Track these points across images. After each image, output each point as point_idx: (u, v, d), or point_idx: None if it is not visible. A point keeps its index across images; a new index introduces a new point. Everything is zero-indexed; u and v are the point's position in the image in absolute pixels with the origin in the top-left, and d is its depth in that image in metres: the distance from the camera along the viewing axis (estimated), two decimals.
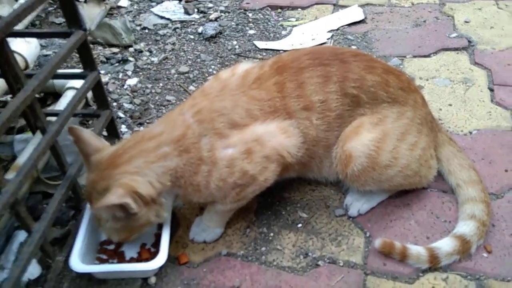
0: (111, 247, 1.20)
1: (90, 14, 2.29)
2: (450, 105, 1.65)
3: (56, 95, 1.67)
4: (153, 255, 1.16)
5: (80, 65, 1.26)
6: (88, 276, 1.12)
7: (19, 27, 1.73)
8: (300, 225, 1.26)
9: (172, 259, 1.17)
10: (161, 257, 1.08)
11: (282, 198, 1.34)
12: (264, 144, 1.07)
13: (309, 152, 1.17)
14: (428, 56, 1.95)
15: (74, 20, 1.13)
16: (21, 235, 1.20)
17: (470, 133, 1.52)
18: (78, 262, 1.06)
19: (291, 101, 1.12)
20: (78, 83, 1.47)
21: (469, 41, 2.00)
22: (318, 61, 1.15)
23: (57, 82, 1.62)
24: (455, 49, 1.97)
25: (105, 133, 1.51)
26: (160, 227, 1.20)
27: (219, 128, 1.07)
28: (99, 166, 1.03)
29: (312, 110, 1.13)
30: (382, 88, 1.16)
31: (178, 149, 1.04)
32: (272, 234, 1.24)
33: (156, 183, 1.02)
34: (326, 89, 1.13)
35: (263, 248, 1.20)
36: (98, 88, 1.28)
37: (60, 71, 1.34)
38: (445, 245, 1.12)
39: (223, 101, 1.10)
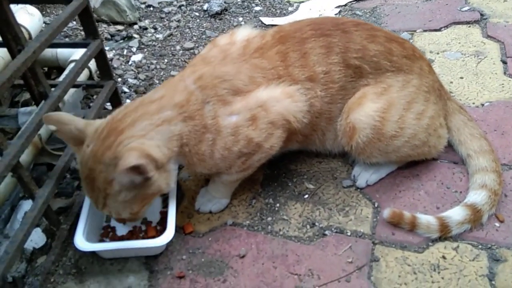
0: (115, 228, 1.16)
1: None
2: (462, 78, 1.61)
3: (60, 69, 1.66)
4: (159, 233, 1.12)
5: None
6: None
7: None
8: (306, 196, 1.24)
9: (178, 228, 1.15)
10: (169, 233, 1.05)
11: (288, 170, 1.32)
12: (269, 109, 1.04)
13: (312, 124, 1.14)
14: (439, 30, 1.90)
15: None
16: (26, 205, 1.19)
17: (482, 105, 1.48)
18: (83, 241, 1.03)
19: (295, 70, 1.09)
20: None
21: (482, 14, 1.95)
22: (320, 31, 1.12)
23: (61, 55, 1.60)
24: (467, 23, 1.91)
25: (109, 106, 1.50)
26: (165, 205, 1.19)
27: (222, 94, 1.03)
28: (98, 136, 0.95)
29: (316, 81, 1.10)
30: (385, 57, 1.13)
31: (182, 114, 1.00)
32: (278, 205, 1.22)
33: (163, 147, 0.97)
34: (328, 60, 1.11)
35: (269, 218, 1.18)
36: (101, 57, 1.26)
37: (63, 41, 1.32)
38: (455, 214, 1.09)
39: (225, 67, 1.07)
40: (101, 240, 1.14)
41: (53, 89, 1.10)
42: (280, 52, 1.10)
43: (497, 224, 1.11)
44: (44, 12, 2.20)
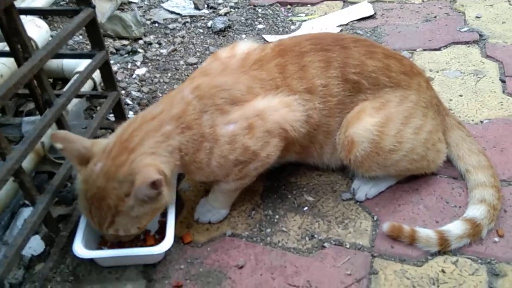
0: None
1: (101, 8, 2.31)
2: (461, 95, 1.63)
3: (65, 81, 1.69)
4: (158, 242, 1.10)
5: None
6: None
7: (36, 4, 1.74)
8: (306, 208, 1.24)
9: (176, 238, 1.15)
10: (167, 241, 1.05)
11: (288, 182, 1.33)
12: (266, 118, 1.05)
13: (310, 136, 1.16)
14: (438, 49, 1.93)
15: None
16: (26, 212, 1.20)
17: (481, 122, 1.49)
18: (81, 248, 1.03)
19: (293, 81, 1.11)
20: None
21: (481, 35, 1.98)
22: (319, 46, 1.15)
23: (66, 67, 1.63)
24: (466, 43, 1.95)
25: (111, 117, 1.52)
26: (163, 214, 1.19)
27: (220, 104, 1.05)
28: (108, 155, 0.97)
29: (314, 94, 1.12)
30: (383, 73, 1.15)
31: (180, 126, 1.01)
32: (277, 217, 1.22)
33: (169, 162, 1.00)
34: (327, 74, 1.12)
35: (268, 230, 1.18)
36: (106, 68, 1.28)
37: (69, 52, 1.34)
38: (455, 228, 1.09)
39: (224, 78, 1.08)
40: (99, 248, 1.13)
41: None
42: (279, 65, 1.12)
43: (496, 239, 1.11)
44: (51, 26, 2.25)
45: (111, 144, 0.99)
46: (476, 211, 1.12)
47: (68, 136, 0.99)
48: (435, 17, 2.21)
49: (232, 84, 1.07)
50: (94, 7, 1.16)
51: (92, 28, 1.21)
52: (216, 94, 1.05)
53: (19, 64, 1.02)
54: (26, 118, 1.45)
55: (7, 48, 1.06)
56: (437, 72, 1.78)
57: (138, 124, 1.02)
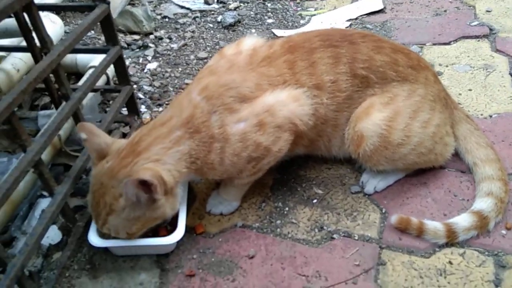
0: None
1: (112, 3, 2.32)
2: (470, 90, 1.64)
3: (78, 75, 1.72)
4: (170, 232, 1.13)
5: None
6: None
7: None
8: (315, 200, 1.26)
9: (189, 229, 1.18)
10: (179, 231, 1.08)
11: (298, 175, 1.35)
12: (276, 114, 1.06)
13: (318, 129, 1.17)
14: (448, 43, 1.93)
15: None
16: (44, 203, 1.24)
17: (490, 116, 1.50)
18: (96, 237, 1.07)
19: (302, 77, 1.12)
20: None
21: (491, 29, 1.98)
22: (328, 42, 1.16)
23: (80, 61, 1.66)
24: (476, 37, 1.94)
25: (125, 111, 1.55)
26: None
27: (228, 103, 1.05)
28: (118, 155, 1.00)
29: (322, 90, 1.13)
30: (391, 67, 1.17)
31: (188, 131, 1.02)
32: (287, 209, 1.24)
33: (174, 171, 1.01)
34: (336, 70, 1.13)
35: (278, 221, 1.21)
36: (120, 63, 1.31)
37: (84, 47, 1.37)
38: (462, 220, 1.11)
39: (231, 75, 1.09)
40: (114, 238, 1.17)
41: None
42: (288, 61, 1.13)
43: (504, 232, 1.13)
44: (64, 22, 2.28)
45: (123, 146, 1.03)
46: (483, 203, 1.14)
47: (93, 129, 1.04)
48: (445, 11, 2.20)
49: (240, 81, 1.08)
50: (108, 3, 1.19)
51: (107, 24, 1.24)
52: (224, 93, 1.05)
53: (35, 59, 1.05)
54: (42, 112, 1.48)
55: (23, 44, 1.09)
56: (447, 66, 1.78)
57: (148, 129, 1.05)
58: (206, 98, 1.05)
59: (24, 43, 1.10)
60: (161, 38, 2.17)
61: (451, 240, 1.10)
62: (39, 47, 1.02)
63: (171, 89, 1.80)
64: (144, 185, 0.93)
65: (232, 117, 1.05)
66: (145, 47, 2.09)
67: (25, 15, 0.95)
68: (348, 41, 1.17)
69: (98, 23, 1.22)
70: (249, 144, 1.06)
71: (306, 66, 1.13)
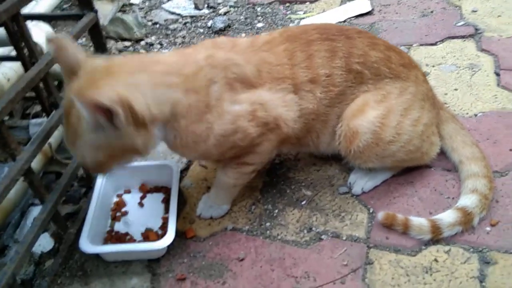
0: (119, 232, 1.21)
1: (103, 10, 2.36)
2: (456, 89, 1.66)
3: None
4: (160, 237, 1.15)
5: None
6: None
7: (40, 9, 1.78)
8: (304, 202, 1.28)
9: (179, 233, 1.20)
10: (169, 236, 1.10)
11: (287, 177, 1.37)
12: (268, 110, 1.08)
13: (307, 126, 1.17)
14: (434, 44, 1.96)
15: (86, 2, 1.18)
16: (35, 211, 1.25)
17: (475, 115, 1.52)
18: (87, 243, 1.08)
19: (299, 71, 1.12)
20: None
21: (476, 29, 2.00)
22: (325, 35, 1.16)
23: None
24: (462, 37, 1.97)
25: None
26: (166, 210, 1.24)
27: (230, 78, 1.04)
28: (92, 73, 0.91)
29: (317, 83, 1.13)
30: (384, 64, 1.18)
31: (186, 85, 0.98)
32: (276, 211, 1.26)
33: (153, 107, 0.93)
34: (332, 63, 1.14)
35: (268, 224, 1.23)
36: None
37: None
38: (447, 216, 1.13)
39: (236, 55, 1.09)
40: (105, 244, 1.18)
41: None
42: (288, 50, 1.13)
43: (488, 228, 1.15)
44: (55, 30, 2.30)
45: (101, 64, 0.94)
46: (467, 200, 1.16)
47: (64, 43, 0.92)
48: (431, 12, 2.23)
49: (244, 62, 1.07)
50: (96, 12, 1.21)
51: (95, 32, 1.25)
52: (229, 67, 1.04)
53: (26, 68, 1.06)
54: (33, 121, 1.50)
55: (13, 53, 1.11)
56: (433, 66, 1.81)
57: (138, 59, 0.99)
58: (211, 65, 1.03)
59: (14, 53, 1.11)
60: (152, 44, 2.19)
61: (436, 236, 1.12)
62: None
63: None
64: (100, 108, 0.83)
65: (230, 95, 1.04)
66: (137, 53, 2.11)
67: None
68: (344, 35, 1.17)
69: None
70: (239, 130, 1.05)
71: (304, 58, 1.13)
